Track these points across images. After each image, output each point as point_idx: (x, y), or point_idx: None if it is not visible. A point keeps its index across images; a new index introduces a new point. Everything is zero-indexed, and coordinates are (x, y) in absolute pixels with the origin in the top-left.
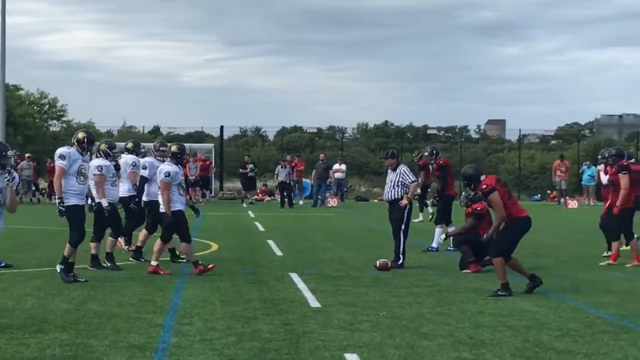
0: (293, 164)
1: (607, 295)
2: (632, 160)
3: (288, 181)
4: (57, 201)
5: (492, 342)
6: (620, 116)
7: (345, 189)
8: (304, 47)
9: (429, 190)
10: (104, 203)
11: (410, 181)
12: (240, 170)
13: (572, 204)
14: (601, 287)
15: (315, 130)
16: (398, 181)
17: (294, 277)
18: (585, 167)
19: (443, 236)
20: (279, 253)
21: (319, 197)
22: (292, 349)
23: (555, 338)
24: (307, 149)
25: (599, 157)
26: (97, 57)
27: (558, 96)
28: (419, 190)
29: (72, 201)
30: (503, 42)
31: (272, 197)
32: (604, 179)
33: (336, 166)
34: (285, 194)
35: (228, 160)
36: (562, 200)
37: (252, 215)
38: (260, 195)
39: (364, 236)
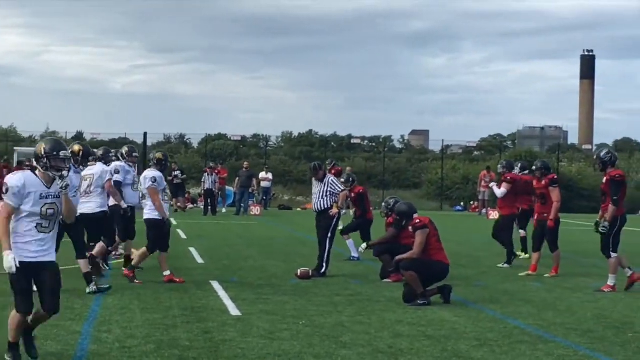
0: (217, 172)
1: (526, 305)
2: (526, 172)
3: (214, 189)
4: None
5: (410, 352)
6: (542, 128)
7: (270, 198)
8: (229, 55)
9: None
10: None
11: (340, 190)
12: (168, 177)
13: (494, 214)
14: (520, 298)
15: (240, 138)
16: (326, 191)
17: (215, 285)
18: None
19: (364, 245)
20: (200, 261)
21: (242, 205)
22: (211, 357)
23: (474, 348)
24: (231, 156)
25: (501, 169)
26: (22, 62)
27: (482, 107)
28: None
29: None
30: (430, 52)
31: (195, 205)
32: (498, 192)
33: (262, 175)
34: (209, 201)
35: None
36: (484, 210)
37: (174, 222)
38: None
39: (286, 245)
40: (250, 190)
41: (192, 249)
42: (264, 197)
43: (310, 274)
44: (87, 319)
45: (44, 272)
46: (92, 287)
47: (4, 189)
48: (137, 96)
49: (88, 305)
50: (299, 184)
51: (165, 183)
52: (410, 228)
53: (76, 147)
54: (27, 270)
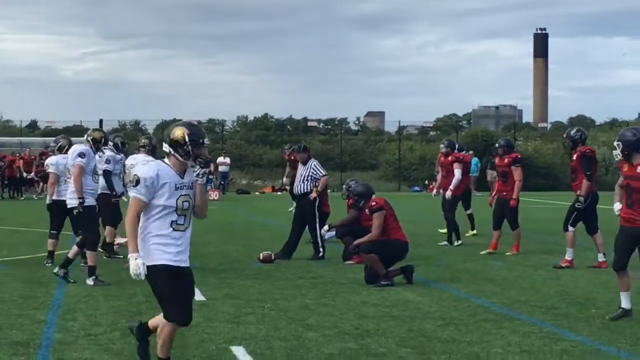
0: None
1: (488, 284)
2: (464, 152)
3: None
4: (77, 201)
5: (377, 332)
6: (497, 107)
7: (228, 182)
8: (183, 40)
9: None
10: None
11: (321, 175)
12: None
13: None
14: (482, 277)
15: (195, 123)
16: (308, 175)
17: None
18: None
19: (326, 227)
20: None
21: None
22: (177, 342)
23: (439, 327)
24: None
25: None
26: None
27: (436, 88)
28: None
29: (89, 201)
30: (383, 34)
31: None
32: (457, 175)
33: (220, 159)
34: None
35: None
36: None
37: None
38: None
39: (246, 229)
40: (208, 175)
41: None
42: (222, 182)
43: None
44: (51, 307)
45: (180, 279)
46: (90, 281)
47: (131, 180)
48: (90, 83)
49: (51, 294)
50: (256, 168)
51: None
52: (367, 211)
53: (97, 134)
54: (169, 274)
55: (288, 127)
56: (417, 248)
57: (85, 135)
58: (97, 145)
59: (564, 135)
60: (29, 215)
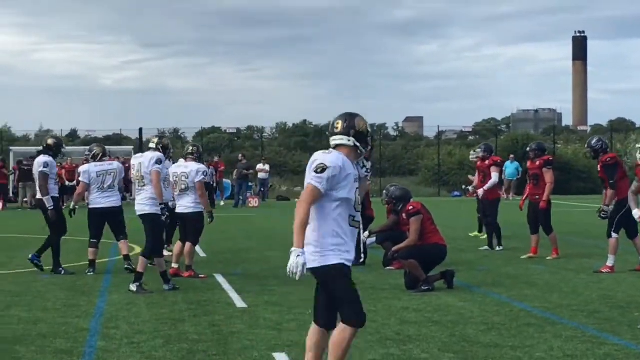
0: (214, 164)
1: (530, 288)
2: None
3: (211, 182)
4: (157, 207)
5: (418, 338)
6: (536, 111)
7: (267, 189)
8: (219, 48)
9: None
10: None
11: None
12: None
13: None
14: (524, 281)
15: (234, 131)
16: None
17: (219, 278)
18: (509, 162)
19: (366, 234)
20: (202, 254)
21: (240, 197)
22: (220, 349)
23: (482, 332)
24: (227, 149)
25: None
26: (13, 61)
27: (475, 92)
28: None
29: (157, 209)
30: (420, 40)
31: None
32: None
33: (260, 166)
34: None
35: None
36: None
37: None
38: None
39: (287, 235)
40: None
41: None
42: (262, 189)
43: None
44: (93, 315)
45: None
46: (170, 285)
47: (313, 167)
48: (129, 92)
49: (94, 302)
50: (295, 175)
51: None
52: (404, 215)
53: (165, 141)
54: (349, 274)
55: (327, 133)
56: (458, 253)
57: (153, 144)
58: (166, 152)
59: (585, 146)
60: (71, 224)
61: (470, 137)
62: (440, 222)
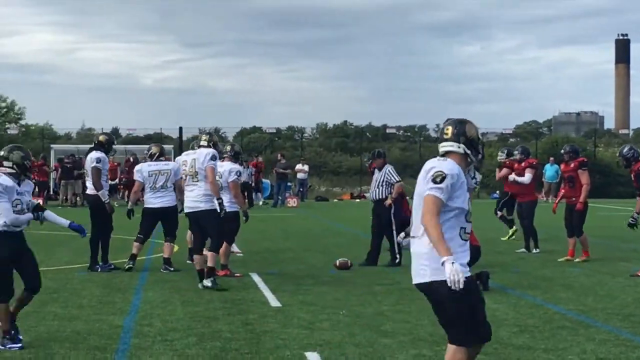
0: (254, 164)
1: (566, 291)
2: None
3: (250, 182)
4: (213, 203)
5: None
6: (578, 114)
7: (306, 189)
8: (260, 48)
9: None
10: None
11: (396, 181)
12: None
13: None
14: (559, 283)
15: (275, 131)
16: (383, 180)
17: (255, 277)
18: (549, 164)
19: (402, 234)
20: (239, 253)
21: (279, 197)
22: (252, 348)
23: (514, 334)
24: (267, 149)
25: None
26: (55, 59)
27: (516, 94)
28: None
29: (213, 205)
30: (462, 41)
31: None
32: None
33: (299, 166)
34: (246, 194)
35: None
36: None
37: None
38: None
39: (325, 236)
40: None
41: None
42: (301, 189)
43: (349, 264)
44: (128, 313)
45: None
46: (208, 282)
47: (431, 176)
48: (170, 91)
49: (129, 300)
50: (334, 175)
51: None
52: None
53: (215, 138)
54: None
55: (367, 134)
56: (494, 255)
57: (205, 141)
58: (216, 148)
59: (617, 154)
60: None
61: (511, 140)
62: (480, 225)
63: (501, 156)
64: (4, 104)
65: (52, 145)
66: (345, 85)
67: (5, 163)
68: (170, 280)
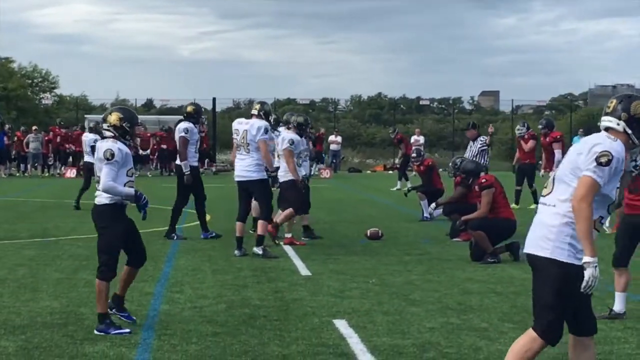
0: (319, 134)
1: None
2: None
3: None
4: (268, 173)
5: (480, 308)
6: (614, 86)
7: (339, 160)
8: (297, 20)
9: (409, 161)
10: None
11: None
12: None
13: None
14: None
15: (308, 102)
16: (477, 151)
17: (285, 246)
18: (577, 136)
19: (434, 205)
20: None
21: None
22: (281, 315)
23: None
24: None
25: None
26: (92, 30)
27: (553, 67)
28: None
29: (264, 175)
30: (499, 13)
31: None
32: (558, 155)
33: (332, 138)
34: None
35: (220, 133)
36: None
37: None
38: None
39: (356, 206)
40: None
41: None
42: (334, 160)
43: (380, 234)
44: (159, 280)
45: None
46: (259, 250)
47: (597, 156)
48: (206, 62)
49: (160, 268)
50: (368, 147)
51: (301, 147)
52: (476, 187)
53: (267, 107)
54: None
55: (401, 106)
56: (526, 226)
57: (255, 110)
58: (268, 118)
59: None
60: (142, 191)
61: (546, 112)
62: (511, 196)
63: (521, 130)
64: (38, 74)
65: (86, 116)
66: (380, 57)
67: (104, 125)
68: (201, 249)
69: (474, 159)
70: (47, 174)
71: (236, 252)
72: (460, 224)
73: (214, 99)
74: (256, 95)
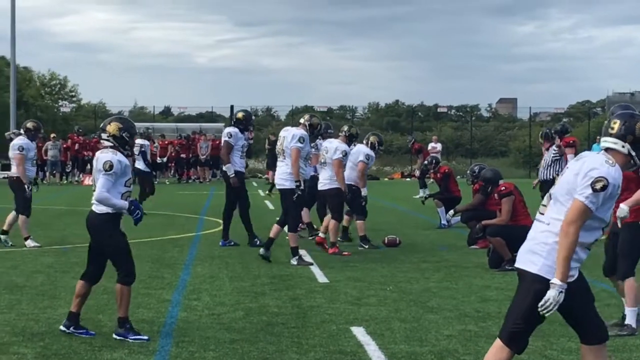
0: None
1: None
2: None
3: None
4: (293, 183)
5: (498, 315)
6: (632, 94)
7: None
8: (313, 27)
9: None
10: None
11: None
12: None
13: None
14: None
15: (326, 110)
16: (551, 161)
17: (302, 253)
18: (596, 144)
19: (452, 212)
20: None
21: None
22: (299, 322)
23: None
24: None
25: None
26: (111, 38)
27: (570, 74)
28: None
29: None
30: (517, 20)
31: None
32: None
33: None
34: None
35: None
36: None
37: (262, 194)
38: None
39: (373, 213)
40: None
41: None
42: None
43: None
44: (177, 287)
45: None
46: (294, 261)
47: (593, 182)
48: (223, 70)
49: (177, 275)
50: (385, 154)
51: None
52: (495, 195)
53: (315, 120)
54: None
55: (419, 113)
56: None
57: (303, 119)
58: (313, 130)
59: None
60: (158, 199)
61: (564, 119)
62: (531, 204)
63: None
64: (56, 82)
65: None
66: (398, 64)
67: (103, 135)
68: (218, 256)
69: (548, 168)
70: (65, 182)
71: (261, 250)
72: (479, 229)
73: (231, 107)
74: (273, 102)
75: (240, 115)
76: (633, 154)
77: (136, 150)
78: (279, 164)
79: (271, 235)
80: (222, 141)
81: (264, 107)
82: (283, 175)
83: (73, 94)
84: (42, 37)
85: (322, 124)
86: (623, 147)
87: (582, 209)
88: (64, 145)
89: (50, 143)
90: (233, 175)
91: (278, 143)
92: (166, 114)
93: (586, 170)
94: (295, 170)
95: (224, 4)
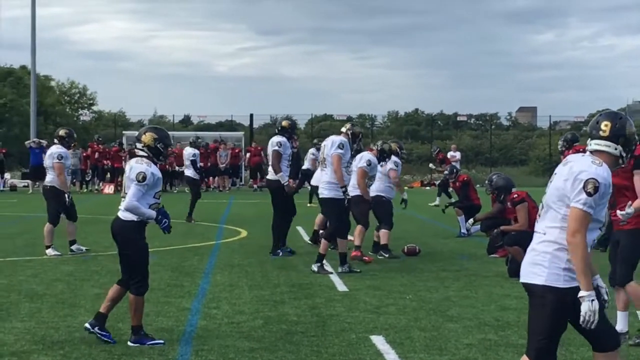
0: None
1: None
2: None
3: (310, 167)
4: (341, 190)
5: (517, 324)
6: None
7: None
8: (333, 36)
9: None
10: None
11: None
12: None
13: None
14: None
15: (345, 118)
16: None
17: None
18: None
19: (471, 220)
20: (306, 239)
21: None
22: (318, 331)
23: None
24: None
25: None
26: (130, 47)
27: (590, 83)
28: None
29: (338, 193)
30: (536, 29)
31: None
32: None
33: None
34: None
35: None
36: None
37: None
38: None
39: (394, 222)
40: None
41: (299, 228)
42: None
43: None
44: (196, 296)
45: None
46: (345, 268)
47: (584, 186)
48: (243, 79)
49: (197, 283)
50: (405, 163)
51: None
52: (508, 204)
53: (357, 129)
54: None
55: (439, 122)
56: None
57: (345, 128)
58: (355, 139)
59: None
60: (177, 208)
61: (584, 128)
62: None
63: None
64: (76, 90)
65: (124, 132)
66: (417, 73)
67: (137, 145)
68: (237, 265)
69: None
70: (85, 190)
71: (313, 266)
72: (497, 234)
73: (251, 115)
74: (293, 111)
75: (285, 123)
76: (624, 155)
77: (186, 160)
78: (322, 172)
79: (321, 251)
80: (271, 151)
81: (283, 116)
82: (324, 184)
83: (92, 102)
84: (62, 46)
85: (362, 132)
86: (615, 149)
87: (582, 215)
88: (84, 154)
89: (70, 152)
90: (286, 182)
91: (320, 153)
92: (186, 122)
93: (575, 174)
94: (339, 176)
95: (242, 12)
